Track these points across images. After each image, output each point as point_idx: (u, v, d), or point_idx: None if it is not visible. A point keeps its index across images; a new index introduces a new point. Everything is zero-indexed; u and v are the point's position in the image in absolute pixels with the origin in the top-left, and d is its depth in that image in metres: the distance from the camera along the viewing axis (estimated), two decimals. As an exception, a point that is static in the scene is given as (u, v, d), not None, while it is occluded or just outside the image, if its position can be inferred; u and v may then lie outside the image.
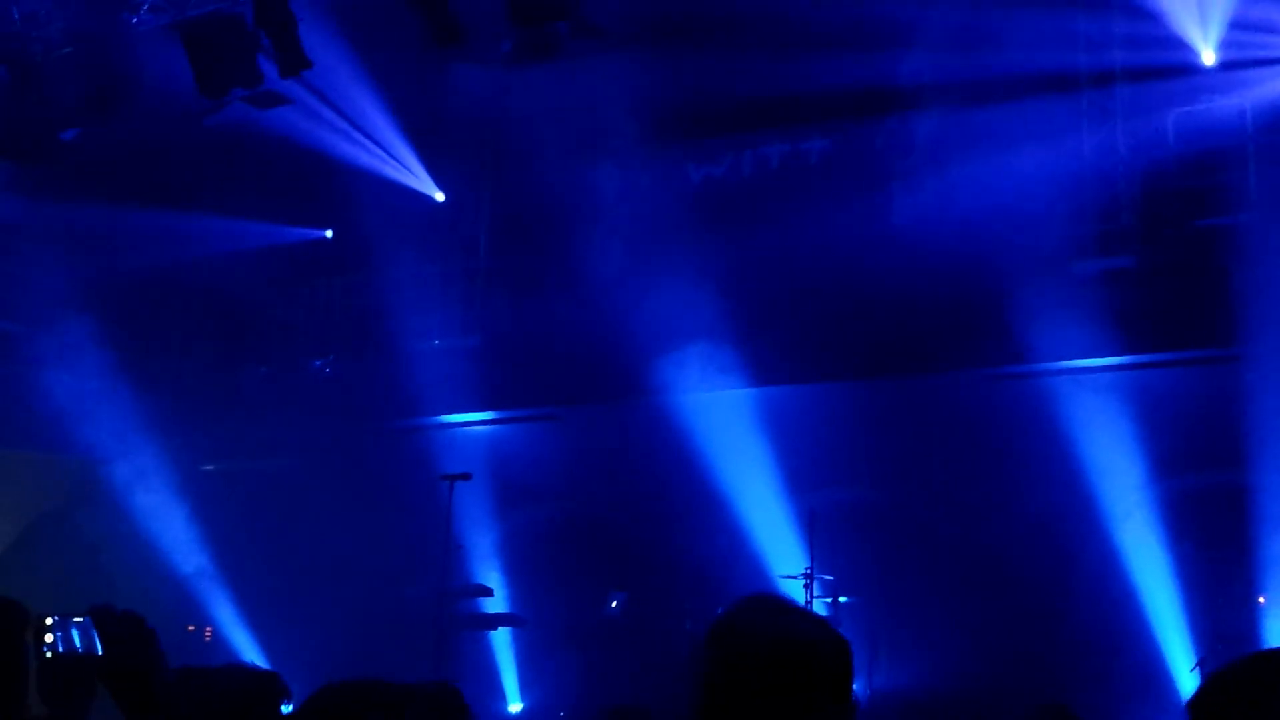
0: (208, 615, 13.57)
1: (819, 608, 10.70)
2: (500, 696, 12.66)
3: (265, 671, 3.37)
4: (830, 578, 10.79)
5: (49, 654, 2.54)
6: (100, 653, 2.50)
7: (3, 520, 14.11)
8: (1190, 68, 10.85)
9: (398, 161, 13.96)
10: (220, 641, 13.43)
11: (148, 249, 13.64)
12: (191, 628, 13.46)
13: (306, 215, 14.58)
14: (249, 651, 13.25)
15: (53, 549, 13.82)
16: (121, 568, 13.66)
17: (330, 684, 2.56)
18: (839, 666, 2.11)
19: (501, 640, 12.81)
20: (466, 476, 10.85)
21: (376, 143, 13.81)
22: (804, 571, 10.68)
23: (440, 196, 14.22)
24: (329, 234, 14.80)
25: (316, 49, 13.06)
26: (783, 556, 11.20)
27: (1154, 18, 10.74)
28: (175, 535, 13.49)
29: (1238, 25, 10.48)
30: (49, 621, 2.54)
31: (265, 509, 13.51)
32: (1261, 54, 10.50)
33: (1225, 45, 10.62)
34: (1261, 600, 9.78)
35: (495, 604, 12.69)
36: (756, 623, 2.14)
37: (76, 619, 2.56)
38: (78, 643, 2.51)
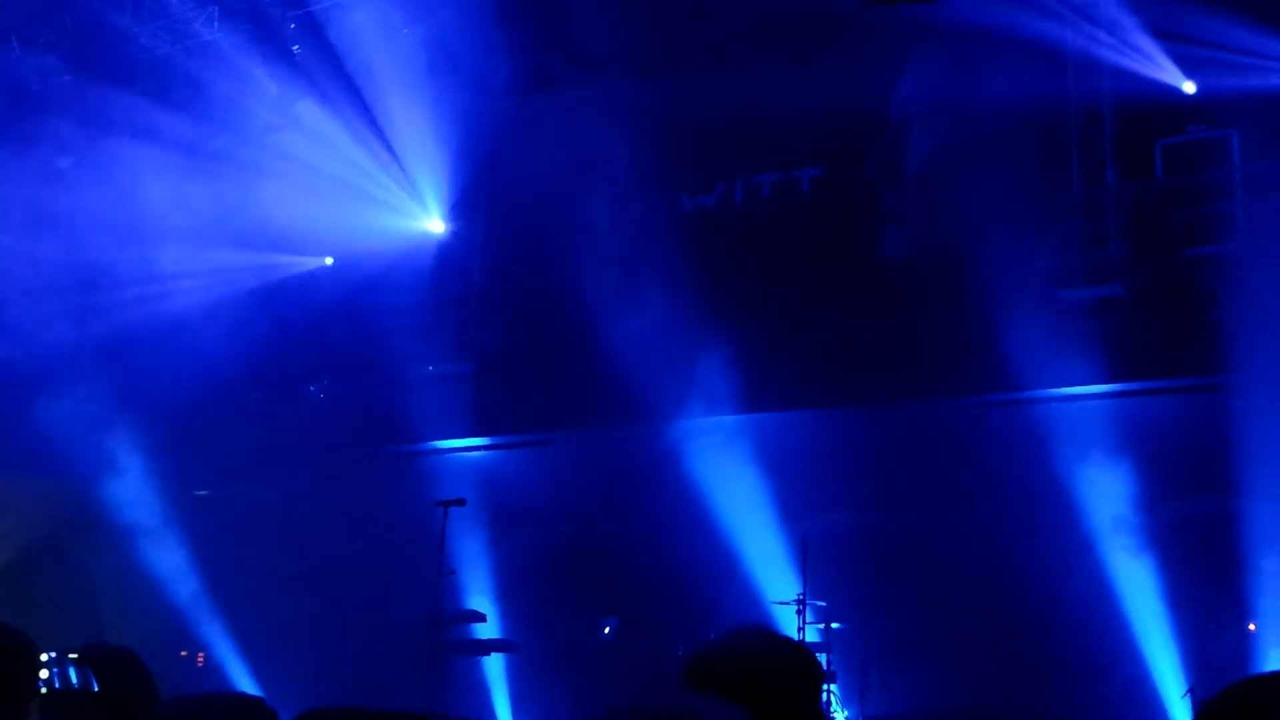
0: (200, 640, 13.55)
1: (811, 634, 10.73)
2: (493, 722, 12.66)
3: (251, 698, 3.39)
4: (823, 604, 10.80)
5: (44, 689, 2.58)
6: (96, 689, 2.54)
7: (-3, 544, 14.12)
8: (1176, 98, 10.98)
9: (396, 190, 14.05)
10: (213, 667, 13.41)
11: (146, 277, 13.70)
12: (184, 653, 13.44)
13: (308, 242, 14.62)
14: (241, 677, 13.24)
15: (47, 573, 13.81)
16: (114, 592, 13.66)
17: (308, 712, 2.59)
18: (806, 685, 2.27)
19: (494, 666, 12.82)
20: (461, 502, 10.86)
21: (375, 171, 13.90)
22: (796, 598, 10.70)
23: (440, 228, 14.31)
24: (329, 260, 14.84)
25: (316, 79, 13.23)
26: (775, 582, 11.22)
27: (1139, 48, 10.88)
28: (168, 560, 13.49)
29: (1221, 55, 10.61)
30: (45, 658, 2.58)
31: (259, 534, 13.51)
32: (1247, 84, 10.62)
33: (1209, 75, 10.75)
34: (1251, 627, 9.82)
35: (488, 629, 12.70)
36: (727, 647, 2.31)
37: (72, 655, 2.60)
38: (74, 679, 2.55)
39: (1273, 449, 9.65)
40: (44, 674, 2.58)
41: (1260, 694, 1.97)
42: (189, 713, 3.10)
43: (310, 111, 13.50)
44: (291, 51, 13.09)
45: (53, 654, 2.58)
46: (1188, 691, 9.72)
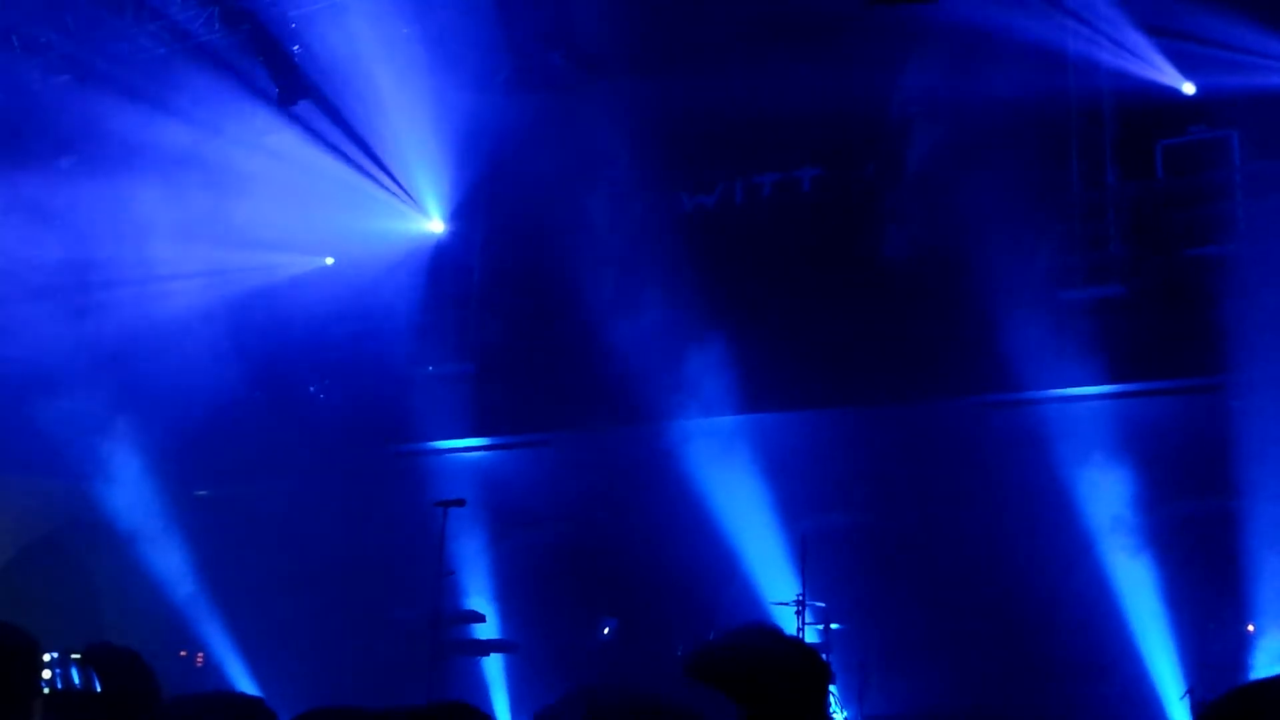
0: (200, 640, 13.55)
1: (810, 634, 10.73)
2: (492, 722, 12.65)
3: (251, 698, 3.39)
4: (822, 604, 10.81)
5: (47, 690, 2.57)
6: (98, 689, 2.54)
7: (-4, 543, 14.12)
8: (1176, 99, 10.99)
9: (396, 190, 14.04)
10: (212, 667, 13.40)
11: (146, 277, 13.69)
12: (183, 653, 13.43)
13: (308, 243, 14.60)
14: (240, 677, 13.23)
15: (46, 573, 13.81)
16: (114, 592, 13.65)
17: (308, 711, 2.58)
18: (813, 685, 2.24)
19: (493, 666, 12.82)
20: (460, 502, 10.87)
21: (375, 171, 13.89)
22: (796, 598, 10.71)
23: (440, 227, 14.30)
24: (329, 261, 14.82)
25: (314, 78, 13.21)
26: (774, 583, 11.22)
27: (1140, 49, 10.89)
28: (168, 560, 13.48)
29: (1221, 55, 10.61)
30: (48, 658, 2.57)
31: (259, 534, 13.51)
32: (1248, 85, 10.62)
33: (1209, 75, 10.75)
34: (1250, 628, 9.82)
35: (487, 629, 12.70)
36: (733, 645, 2.28)
37: (75, 655, 2.59)
38: (76, 679, 2.55)
39: (1272, 449, 9.65)
40: (46, 674, 2.57)
41: (1264, 698, 1.97)
42: (188, 713, 3.09)
43: (310, 111, 13.49)
44: (291, 51, 13.07)
45: (55, 654, 2.57)
46: (1187, 692, 9.72)
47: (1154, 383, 10.84)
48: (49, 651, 2.62)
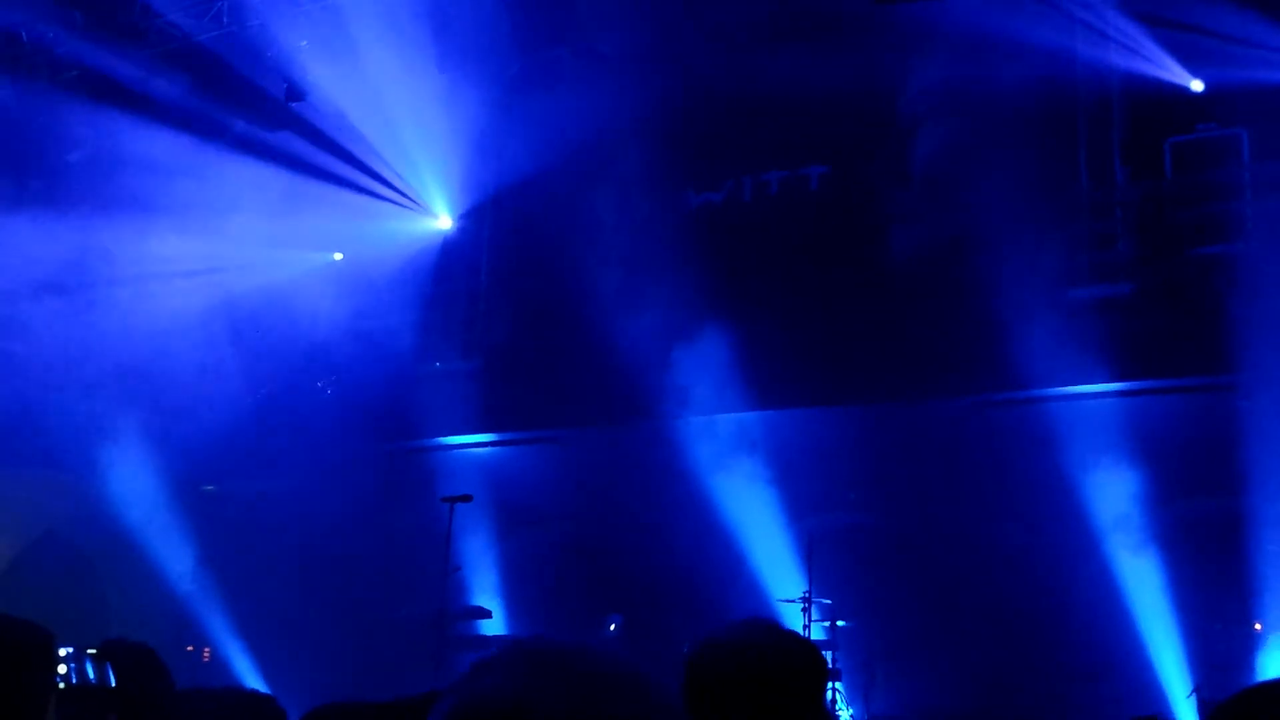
0: (206, 635, 13.58)
1: (817, 631, 10.74)
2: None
3: (261, 694, 3.41)
4: (828, 602, 10.82)
5: (62, 685, 2.59)
6: (113, 685, 2.55)
7: (2, 538, 14.13)
8: (1185, 96, 10.97)
9: (404, 186, 14.05)
10: (219, 662, 13.43)
11: (153, 272, 13.70)
12: (190, 648, 13.46)
13: (316, 238, 14.62)
14: (247, 672, 13.26)
15: (52, 569, 13.83)
16: (121, 588, 13.68)
17: (319, 706, 2.60)
18: (812, 680, 2.26)
19: (499, 662, 12.82)
20: (467, 498, 10.90)
21: (382, 168, 13.90)
22: (802, 595, 10.72)
23: (447, 224, 14.31)
24: (338, 256, 14.83)
25: (322, 74, 13.23)
26: (781, 580, 11.23)
27: (1148, 46, 10.88)
28: (175, 555, 13.51)
29: (1230, 51, 10.58)
30: (63, 654, 2.59)
31: (266, 529, 13.53)
32: (1257, 82, 10.59)
33: (1218, 72, 10.72)
34: (1258, 627, 9.80)
35: (493, 626, 12.72)
36: (733, 640, 2.30)
37: (90, 650, 2.61)
38: (91, 674, 2.57)
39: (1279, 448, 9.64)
40: (61, 669, 2.59)
41: (1273, 699, 1.96)
42: (201, 707, 3.12)
43: (319, 106, 13.51)
44: (300, 46, 13.09)
45: (70, 649, 2.58)
46: (1193, 691, 9.71)
47: (1161, 381, 10.83)
48: (64, 647, 2.63)
